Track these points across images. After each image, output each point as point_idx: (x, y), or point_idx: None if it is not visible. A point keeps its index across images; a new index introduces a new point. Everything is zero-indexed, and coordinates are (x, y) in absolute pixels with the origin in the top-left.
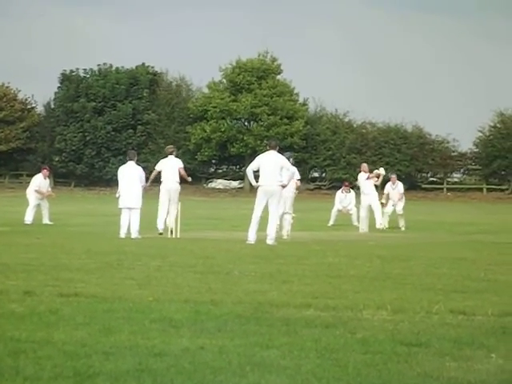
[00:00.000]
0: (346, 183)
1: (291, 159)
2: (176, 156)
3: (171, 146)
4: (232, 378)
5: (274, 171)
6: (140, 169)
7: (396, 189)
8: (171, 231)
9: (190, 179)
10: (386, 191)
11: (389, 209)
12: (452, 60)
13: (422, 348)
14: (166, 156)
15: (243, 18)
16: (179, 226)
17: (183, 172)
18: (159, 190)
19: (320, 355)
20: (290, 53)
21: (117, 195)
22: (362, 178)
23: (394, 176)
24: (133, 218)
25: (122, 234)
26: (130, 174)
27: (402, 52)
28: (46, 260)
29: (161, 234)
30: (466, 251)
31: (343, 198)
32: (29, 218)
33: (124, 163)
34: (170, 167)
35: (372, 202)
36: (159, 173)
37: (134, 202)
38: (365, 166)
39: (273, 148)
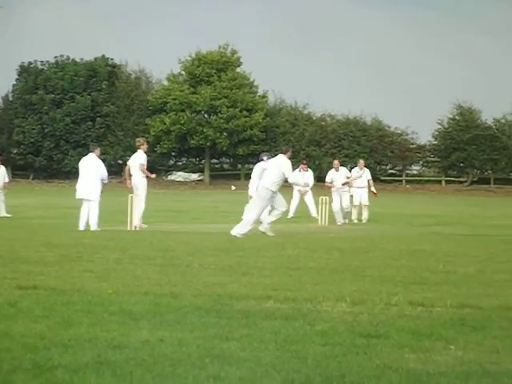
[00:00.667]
0: (304, 162)
1: (265, 157)
2: (144, 150)
3: (139, 139)
4: (191, 370)
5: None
6: (100, 162)
7: (364, 175)
8: (135, 226)
9: (153, 176)
10: (352, 175)
11: (356, 201)
12: (411, 52)
13: (381, 339)
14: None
15: (203, 10)
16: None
17: (142, 168)
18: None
19: (279, 347)
20: (249, 45)
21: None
22: (334, 174)
23: (361, 161)
24: (90, 210)
25: (81, 227)
26: (88, 166)
27: (362, 44)
28: (4, 252)
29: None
30: (425, 243)
31: (301, 177)
32: None
33: (85, 155)
34: (135, 162)
35: (345, 198)
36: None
37: (90, 194)
38: (336, 162)
39: (283, 153)
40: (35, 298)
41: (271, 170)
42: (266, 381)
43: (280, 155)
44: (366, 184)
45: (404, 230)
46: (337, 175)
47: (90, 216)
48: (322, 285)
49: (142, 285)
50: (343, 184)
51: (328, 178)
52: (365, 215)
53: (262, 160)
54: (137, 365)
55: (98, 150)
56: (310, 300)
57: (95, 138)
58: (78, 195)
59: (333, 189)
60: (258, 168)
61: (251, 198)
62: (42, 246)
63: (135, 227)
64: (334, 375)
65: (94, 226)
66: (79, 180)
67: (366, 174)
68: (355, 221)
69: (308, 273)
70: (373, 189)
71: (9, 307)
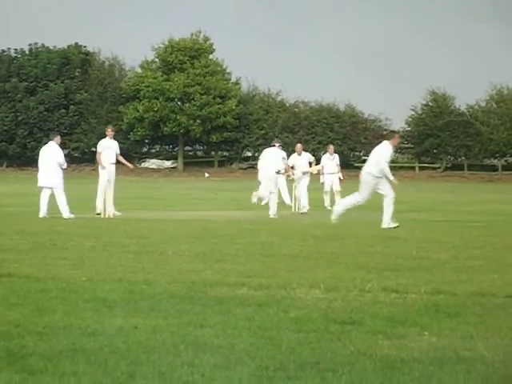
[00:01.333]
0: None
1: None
2: (113, 137)
3: (109, 126)
4: (166, 357)
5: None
6: (59, 149)
7: (334, 160)
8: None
9: (131, 166)
10: (322, 163)
11: (327, 188)
12: (385, 38)
13: (355, 326)
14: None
15: None
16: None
17: (120, 158)
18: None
19: (253, 334)
20: (221, 32)
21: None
22: (295, 159)
23: (331, 146)
24: (56, 198)
25: (41, 214)
26: (48, 154)
27: (333, 29)
28: None
29: (98, 214)
30: (399, 230)
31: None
32: None
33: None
34: (112, 149)
35: (304, 183)
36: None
37: (52, 182)
38: (299, 146)
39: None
40: (9, 285)
41: (372, 156)
42: (240, 367)
43: (385, 142)
44: (337, 170)
45: (378, 217)
46: (299, 159)
47: (58, 204)
48: (295, 271)
49: (116, 272)
50: (303, 173)
51: (290, 162)
52: (337, 202)
53: (274, 146)
54: (111, 352)
55: (57, 138)
56: (284, 287)
57: (68, 126)
58: (40, 183)
59: (293, 176)
60: (269, 153)
61: (260, 182)
62: (16, 233)
63: (109, 215)
64: (308, 362)
65: (65, 214)
66: (40, 168)
67: (336, 159)
68: (328, 207)
69: (282, 260)
70: (340, 175)
71: None
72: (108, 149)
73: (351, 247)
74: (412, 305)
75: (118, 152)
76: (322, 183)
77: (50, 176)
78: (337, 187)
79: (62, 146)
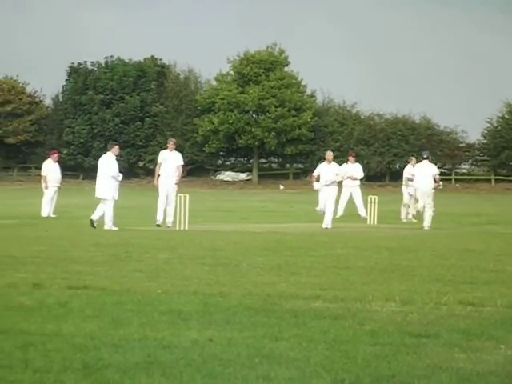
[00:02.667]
0: (353, 154)
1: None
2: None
3: (172, 139)
4: (241, 370)
5: None
6: (114, 160)
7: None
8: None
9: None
10: (406, 174)
11: (406, 200)
12: (460, 51)
13: (430, 339)
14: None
15: (251, 9)
16: (187, 218)
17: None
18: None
19: (329, 347)
20: (296, 45)
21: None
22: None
23: (413, 158)
24: (104, 209)
25: (106, 227)
26: (103, 165)
27: (409, 43)
28: (54, 253)
29: (158, 225)
30: (475, 242)
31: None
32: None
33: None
34: (170, 162)
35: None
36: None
37: (102, 193)
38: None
39: None
40: (85, 297)
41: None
42: (316, 381)
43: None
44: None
45: (453, 229)
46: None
47: (104, 214)
48: (371, 284)
49: (191, 284)
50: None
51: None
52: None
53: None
54: (186, 365)
55: (115, 149)
56: (360, 299)
57: (144, 138)
58: (96, 194)
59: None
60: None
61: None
62: (92, 245)
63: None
64: (384, 375)
65: (108, 225)
66: (97, 179)
67: (405, 172)
68: (404, 219)
69: (357, 272)
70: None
71: (59, 307)
72: (165, 161)
73: (426, 260)
74: (488, 318)
75: (181, 163)
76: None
77: (102, 187)
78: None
79: (138, 158)
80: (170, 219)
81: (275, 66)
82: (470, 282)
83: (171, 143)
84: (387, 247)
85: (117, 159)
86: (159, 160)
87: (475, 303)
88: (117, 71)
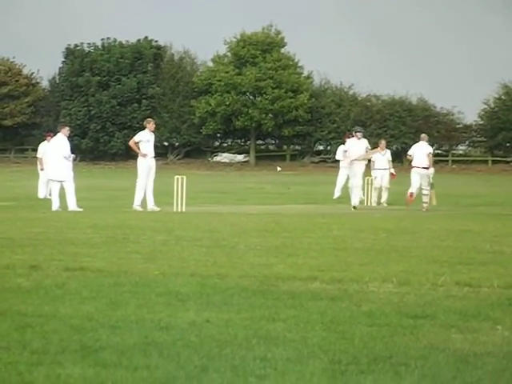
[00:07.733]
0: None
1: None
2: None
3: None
4: (238, 351)
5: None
6: (65, 141)
7: (385, 156)
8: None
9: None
10: (373, 159)
11: (377, 183)
12: (456, 32)
13: (427, 320)
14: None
15: None
16: (184, 200)
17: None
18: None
19: (326, 328)
20: (293, 26)
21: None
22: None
23: (383, 141)
24: (66, 191)
25: (54, 207)
26: (55, 147)
27: (406, 24)
28: (51, 234)
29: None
30: (472, 223)
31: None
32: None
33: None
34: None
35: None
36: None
37: (61, 175)
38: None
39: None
40: (83, 279)
41: None
42: (313, 361)
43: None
44: (389, 165)
45: (450, 210)
46: (356, 144)
47: (66, 196)
48: (368, 265)
49: (188, 266)
50: (353, 159)
51: (346, 147)
52: (384, 198)
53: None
54: (184, 346)
55: (65, 130)
56: (357, 281)
57: (141, 120)
58: (49, 177)
59: (343, 163)
60: None
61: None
62: (89, 227)
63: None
64: (381, 356)
65: (71, 207)
66: (49, 162)
67: (388, 155)
68: (374, 204)
69: (354, 253)
70: (392, 170)
71: (56, 289)
72: (148, 142)
73: (423, 241)
74: (485, 299)
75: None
76: (375, 178)
77: (59, 169)
78: (386, 184)
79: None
80: (151, 203)
81: (272, 47)
82: (467, 263)
83: (151, 124)
84: (384, 228)
85: (69, 140)
86: (140, 139)
87: (472, 284)
88: (113, 53)
